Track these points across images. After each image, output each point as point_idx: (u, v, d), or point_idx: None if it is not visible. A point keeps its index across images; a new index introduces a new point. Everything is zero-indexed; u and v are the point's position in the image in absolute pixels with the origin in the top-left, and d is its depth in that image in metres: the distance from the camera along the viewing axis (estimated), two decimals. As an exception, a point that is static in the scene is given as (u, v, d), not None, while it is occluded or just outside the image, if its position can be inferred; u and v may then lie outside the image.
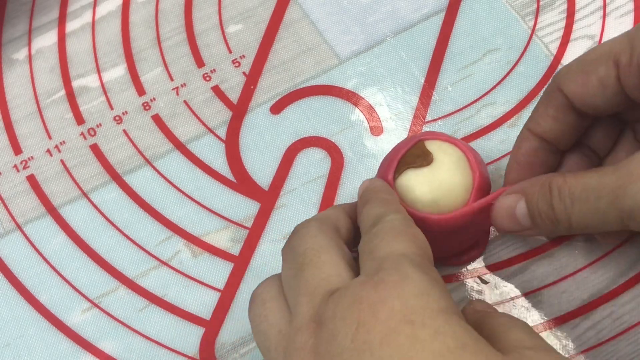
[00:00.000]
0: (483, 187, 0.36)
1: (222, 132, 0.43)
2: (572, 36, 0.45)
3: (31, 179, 0.43)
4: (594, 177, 0.30)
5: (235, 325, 0.39)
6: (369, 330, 0.26)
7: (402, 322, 0.26)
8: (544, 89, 0.35)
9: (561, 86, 0.33)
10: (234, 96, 0.44)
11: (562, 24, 0.45)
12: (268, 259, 0.40)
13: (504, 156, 0.42)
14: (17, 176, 0.43)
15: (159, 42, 0.46)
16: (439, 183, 0.35)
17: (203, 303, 0.39)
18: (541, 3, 0.46)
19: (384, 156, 0.38)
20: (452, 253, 0.38)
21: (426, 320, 0.26)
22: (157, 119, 0.44)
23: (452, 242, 0.37)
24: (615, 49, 0.32)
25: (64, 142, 0.44)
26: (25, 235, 0.41)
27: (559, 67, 0.44)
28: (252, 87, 0.45)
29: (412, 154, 0.36)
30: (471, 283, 0.38)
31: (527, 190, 0.33)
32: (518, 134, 0.36)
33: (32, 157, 0.43)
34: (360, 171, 0.42)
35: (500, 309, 0.38)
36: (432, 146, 0.36)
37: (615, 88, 0.32)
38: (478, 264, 0.39)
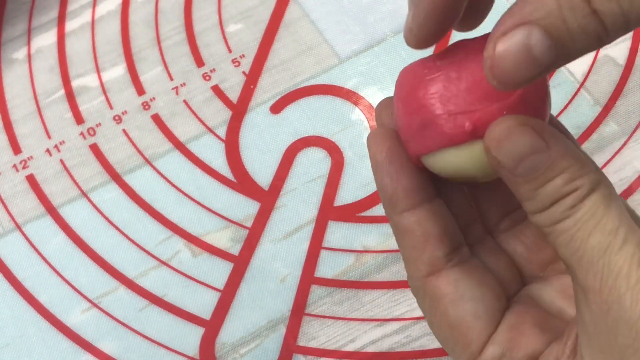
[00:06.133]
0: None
1: (221, 131, 0.43)
2: (573, 35, 0.45)
3: (30, 179, 0.43)
4: None
5: (235, 325, 0.39)
6: None
7: None
8: None
9: None
10: (233, 96, 0.44)
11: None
12: (268, 258, 0.40)
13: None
14: (17, 176, 0.43)
15: (159, 42, 0.46)
16: None
17: (203, 303, 0.39)
18: (542, 2, 0.46)
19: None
20: None
21: None
22: (157, 119, 0.44)
23: None
24: None
25: (63, 141, 0.44)
26: (24, 235, 0.41)
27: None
28: (251, 86, 0.45)
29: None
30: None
31: (538, 13, 0.23)
32: None
33: (31, 156, 0.43)
34: (360, 171, 0.42)
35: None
36: None
37: None
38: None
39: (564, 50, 0.23)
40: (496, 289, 0.28)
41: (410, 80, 0.27)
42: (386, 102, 0.29)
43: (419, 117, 0.26)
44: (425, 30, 0.26)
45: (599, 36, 0.22)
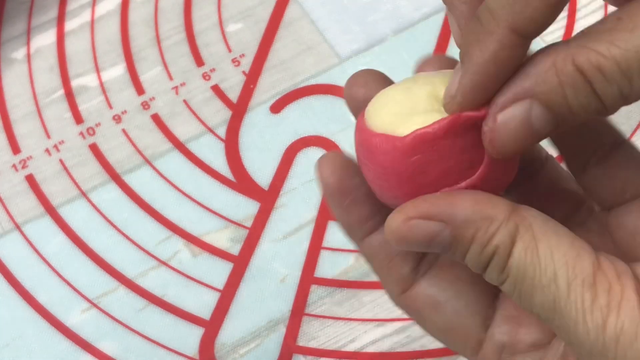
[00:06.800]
0: None
1: (221, 131, 0.43)
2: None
3: (30, 179, 0.43)
4: None
5: (235, 325, 0.39)
6: None
7: None
8: None
9: None
10: (233, 95, 0.44)
11: (563, 23, 0.45)
12: (268, 259, 0.40)
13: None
14: (16, 176, 0.43)
15: (159, 41, 0.46)
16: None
17: (203, 303, 0.39)
18: (542, 2, 0.46)
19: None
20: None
21: None
22: (157, 119, 0.44)
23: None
24: None
25: (63, 141, 0.44)
26: (24, 235, 0.41)
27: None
28: (251, 86, 0.44)
29: None
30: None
31: (539, 89, 0.23)
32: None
33: (30, 156, 0.43)
34: (360, 171, 0.42)
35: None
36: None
37: None
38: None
39: (563, 122, 0.23)
40: (474, 281, 0.27)
41: (378, 154, 0.24)
42: (360, 79, 0.27)
43: (377, 188, 0.25)
44: (475, 98, 0.23)
45: (599, 112, 0.22)
